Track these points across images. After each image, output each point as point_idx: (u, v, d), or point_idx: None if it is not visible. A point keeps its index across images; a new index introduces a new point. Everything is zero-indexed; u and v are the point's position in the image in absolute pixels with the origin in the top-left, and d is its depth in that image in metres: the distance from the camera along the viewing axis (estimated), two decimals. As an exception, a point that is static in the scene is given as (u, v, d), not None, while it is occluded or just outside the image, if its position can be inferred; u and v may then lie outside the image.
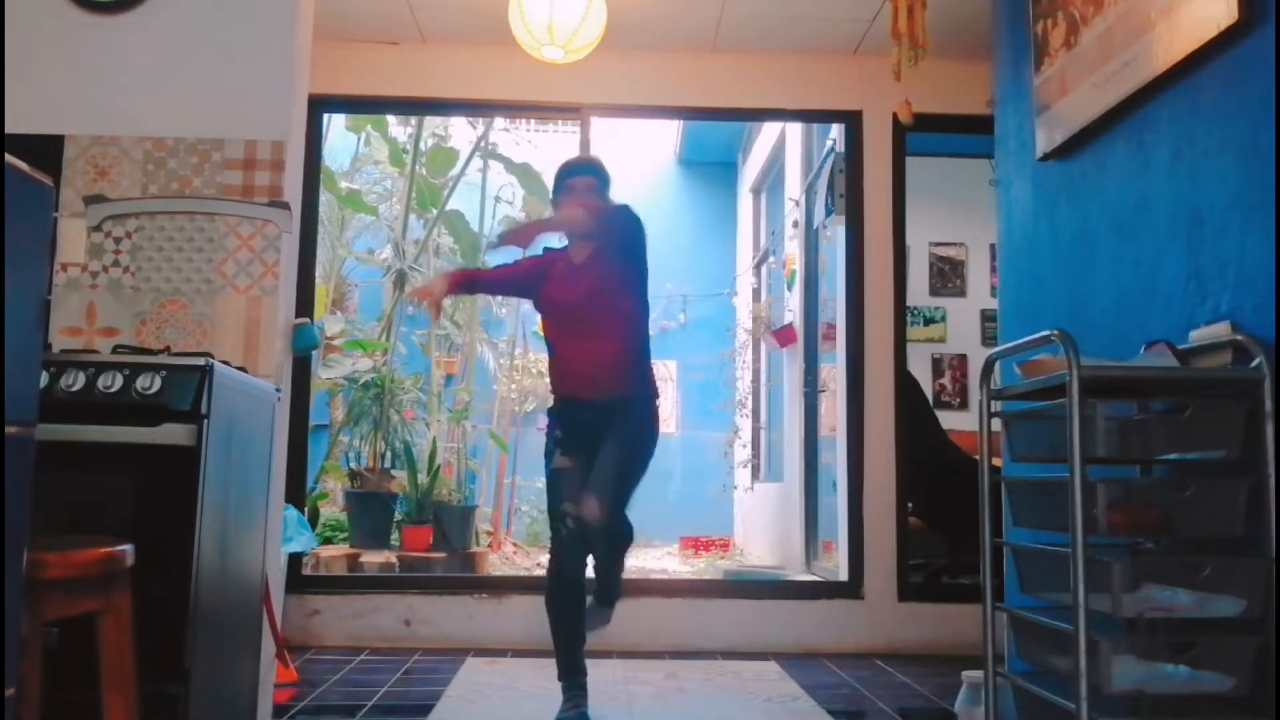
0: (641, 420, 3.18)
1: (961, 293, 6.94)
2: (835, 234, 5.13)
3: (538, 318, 3.55)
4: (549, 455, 3.27)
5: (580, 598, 3.27)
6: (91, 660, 1.79)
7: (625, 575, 4.54)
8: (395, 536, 5.55)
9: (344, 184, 6.89)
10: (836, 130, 5.03)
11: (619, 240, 3.19)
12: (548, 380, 3.56)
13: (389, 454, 5.91)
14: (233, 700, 2.56)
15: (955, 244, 6.94)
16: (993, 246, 6.04)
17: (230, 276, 2.97)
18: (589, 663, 3.92)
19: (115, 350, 2.52)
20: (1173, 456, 1.98)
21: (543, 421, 3.72)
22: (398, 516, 5.64)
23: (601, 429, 3.12)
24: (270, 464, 2.81)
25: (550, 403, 3.42)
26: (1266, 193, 1.88)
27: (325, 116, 4.86)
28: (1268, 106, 1.88)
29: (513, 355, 7.60)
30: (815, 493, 5.90)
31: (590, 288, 3.14)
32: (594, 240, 3.19)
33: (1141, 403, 1.98)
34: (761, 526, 7.23)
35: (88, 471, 2.23)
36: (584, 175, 3.27)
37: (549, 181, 6.93)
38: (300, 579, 4.36)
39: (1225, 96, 2.03)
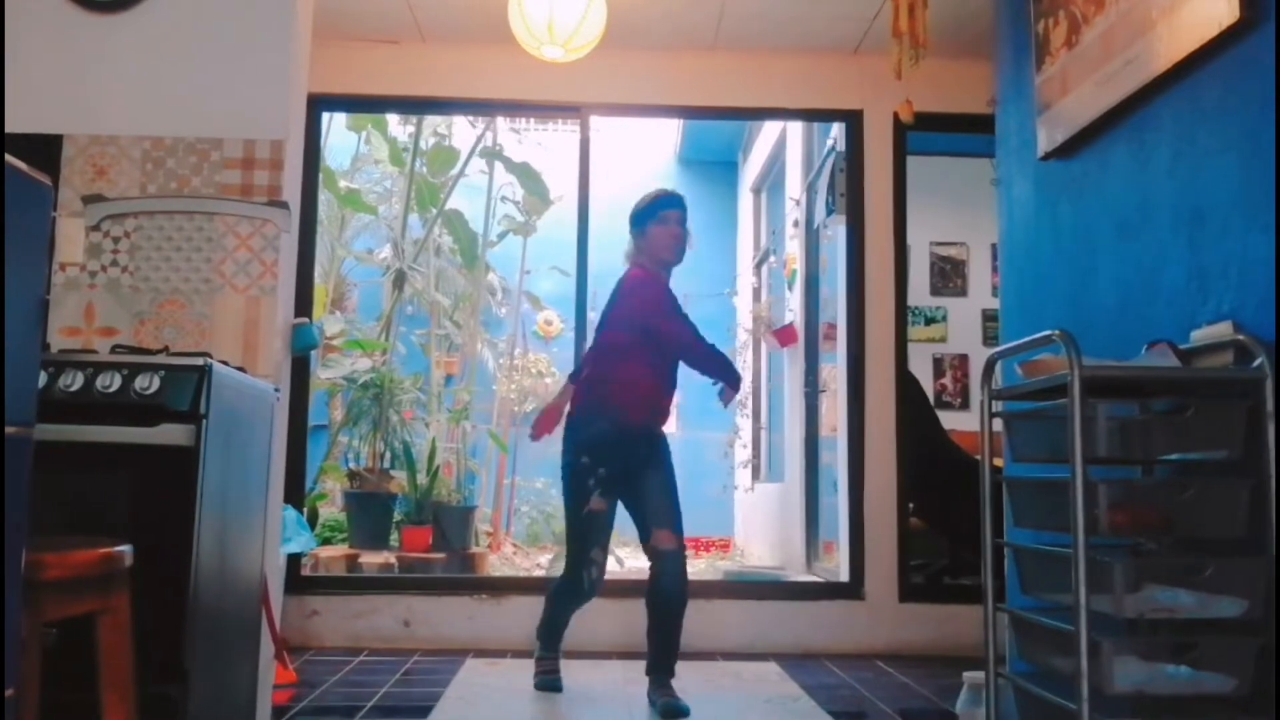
0: (665, 444, 3.50)
1: (962, 292, 6.93)
2: (836, 233, 5.12)
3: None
4: (581, 492, 3.40)
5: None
6: (90, 660, 1.79)
7: (625, 576, 4.55)
8: (394, 537, 5.54)
9: (344, 183, 6.88)
10: (837, 129, 5.02)
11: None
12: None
13: (388, 454, 5.89)
14: (232, 701, 2.56)
15: (956, 243, 6.93)
16: (994, 246, 6.02)
17: (229, 276, 2.97)
18: (588, 663, 3.93)
19: (114, 350, 2.52)
20: (1174, 457, 1.98)
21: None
22: (397, 517, 5.62)
23: (638, 462, 3.39)
24: (269, 464, 2.80)
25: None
26: (1268, 192, 1.88)
27: (325, 116, 4.86)
28: (1268, 106, 1.88)
29: (512, 355, 7.58)
30: (816, 493, 5.89)
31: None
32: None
33: (1143, 403, 1.98)
34: (762, 527, 7.22)
35: (86, 471, 2.22)
36: (676, 209, 3.58)
37: (550, 181, 6.96)
38: (299, 580, 4.35)
39: (1226, 96, 2.03)
